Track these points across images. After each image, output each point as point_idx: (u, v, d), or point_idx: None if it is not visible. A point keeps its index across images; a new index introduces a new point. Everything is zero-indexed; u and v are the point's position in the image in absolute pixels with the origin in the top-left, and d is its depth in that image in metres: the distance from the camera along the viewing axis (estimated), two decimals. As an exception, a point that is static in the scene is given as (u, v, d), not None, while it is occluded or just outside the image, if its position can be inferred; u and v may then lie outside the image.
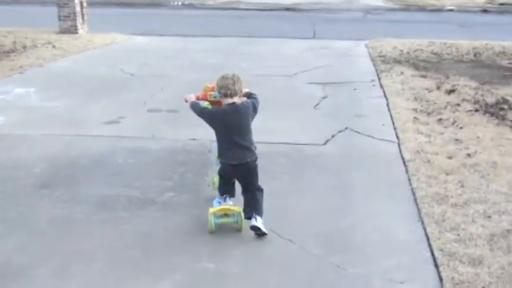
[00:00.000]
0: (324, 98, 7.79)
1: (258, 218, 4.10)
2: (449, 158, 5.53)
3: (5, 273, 3.60)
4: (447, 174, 5.14)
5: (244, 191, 4.26)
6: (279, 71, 9.41)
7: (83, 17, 13.24)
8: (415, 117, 6.76)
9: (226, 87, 4.08)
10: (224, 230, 4.19)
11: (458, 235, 4.07)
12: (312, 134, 6.35)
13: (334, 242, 4.06)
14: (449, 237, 4.04)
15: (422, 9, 18.87)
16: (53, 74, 9.20)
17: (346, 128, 6.49)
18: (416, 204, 4.59)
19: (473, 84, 8.39)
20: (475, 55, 10.81)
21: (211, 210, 4.22)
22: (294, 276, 3.61)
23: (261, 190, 4.27)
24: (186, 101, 4.44)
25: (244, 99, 4.26)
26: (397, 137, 6.17)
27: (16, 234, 4.10)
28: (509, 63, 10.15)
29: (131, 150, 5.80)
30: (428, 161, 5.42)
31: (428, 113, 6.98)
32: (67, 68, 9.63)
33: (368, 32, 13.90)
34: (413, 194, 4.78)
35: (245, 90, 4.35)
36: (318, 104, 7.50)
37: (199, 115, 4.29)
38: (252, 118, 4.21)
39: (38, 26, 13.52)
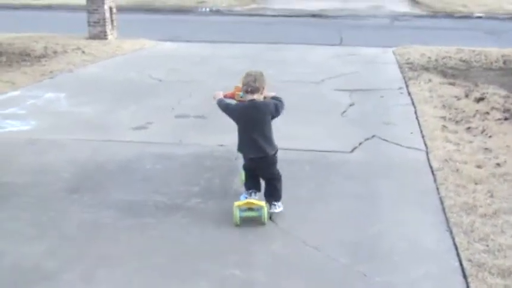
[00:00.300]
0: (351, 105, 7.76)
1: (275, 205, 4.53)
2: (478, 167, 5.45)
3: (33, 277, 3.66)
4: (476, 183, 5.07)
5: (265, 180, 4.63)
6: (306, 78, 9.40)
7: (112, 23, 13.42)
8: (444, 126, 6.69)
9: (247, 84, 4.31)
10: (251, 235, 4.20)
11: (487, 246, 4.01)
12: (338, 141, 6.32)
13: (361, 250, 4.03)
14: (478, 247, 3.99)
15: (450, 15, 18.65)
16: (82, 80, 9.33)
17: (373, 136, 6.45)
18: (445, 214, 4.53)
19: (503, 92, 8.27)
20: (504, 63, 10.64)
21: (236, 204, 4.41)
22: (321, 285, 3.60)
23: (279, 178, 4.58)
24: (214, 98, 4.67)
25: (268, 97, 4.49)
26: (425, 145, 6.11)
27: (47, 238, 4.17)
28: (540, 70, 10.00)
29: (159, 156, 5.85)
30: (457, 170, 5.35)
31: (457, 121, 6.89)
32: (96, 74, 9.76)
33: (395, 39, 13.81)
34: (442, 203, 4.72)
35: (271, 93, 4.58)
36: (345, 111, 7.47)
37: (223, 110, 4.55)
38: (272, 118, 4.41)
39: (68, 32, 13.74)
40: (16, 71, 9.71)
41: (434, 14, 18.89)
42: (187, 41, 13.70)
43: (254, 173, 4.61)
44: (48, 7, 20.48)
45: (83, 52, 11.42)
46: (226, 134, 6.47)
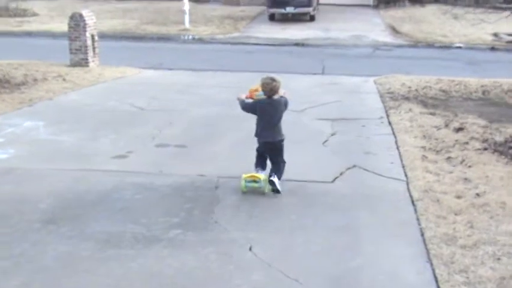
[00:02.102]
0: (332, 134, 7.79)
1: (276, 177, 5.54)
2: (458, 197, 5.48)
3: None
4: (456, 214, 5.09)
5: (272, 162, 5.71)
6: (288, 106, 9.40)
7: (94, 50, 13.38)
8: (424, 156, 6.73)
9: (272, 90, 5.54)
10: (231, 266, 4.15)
11: (468, 278, 4.01)
12: (320, 171, 6.32)
13: (342, 283, 4.01)
14: (459, 279, 3.99)
15: (430, 45, 18.93)
16: (62, 108, 9.26)
17: (354, 166, 6.46)
18: (425, 245, 4.54)
19: (482, 122, 8.37)
20: (483, 93, 10.79)
21: (244, 176, 5.61)
22: (301, 319, 3.55)
23: (284, 162, 5.72)
24: (238, 99, 5.82)
25: (282, 94, 5.71)
26: (406, 175, 6.13)
27: (20, 272, 4.08)
28: (518, 101, 10.14)
29: (139, 186, 5.80)
30: (437, 201, 5.37)
31: (437, 151, 6.94)
32: (77, 102, 9.70)
33: (376, 68, 13.96)
34: (422, 234, 4.73)
35: (282, 91, 5.73)
36: (326, 141, 7.49)
37: (243, 107, 5.75)
38: (283, 112, 5.67)
39: (49, 59, 13.68)
40: (-5, 98, 9.61)
41: (415, 44, 19.16)
42: (170, 69, 13.70)
43: (264, 154, 5.75)
44: (29, 34, 20.40)
45: (64, 80, 11.35)
46: (206, 164, 6.47)
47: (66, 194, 5.56)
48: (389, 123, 8.36)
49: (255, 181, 5.63)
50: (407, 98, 10.05)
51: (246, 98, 5.82)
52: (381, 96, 10.38)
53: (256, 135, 5.71)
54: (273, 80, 5.56)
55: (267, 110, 5.60)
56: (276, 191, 5.55)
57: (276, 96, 5.58)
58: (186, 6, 21.18)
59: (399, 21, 23.06)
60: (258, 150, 5.79)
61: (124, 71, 12.82)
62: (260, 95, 5.68)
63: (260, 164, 5.76)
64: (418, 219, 5.02)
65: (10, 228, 4.77)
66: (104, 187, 5.76)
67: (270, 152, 5.71)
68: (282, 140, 5.70)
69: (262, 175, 5.64)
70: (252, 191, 5.64)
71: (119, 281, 3.97)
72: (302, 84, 11.64)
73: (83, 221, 4.96)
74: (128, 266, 4.22)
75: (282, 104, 5.66)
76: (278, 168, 5.66)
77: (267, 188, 5.59)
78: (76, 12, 13.20)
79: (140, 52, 16.87)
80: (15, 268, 4.13)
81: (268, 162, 5.81)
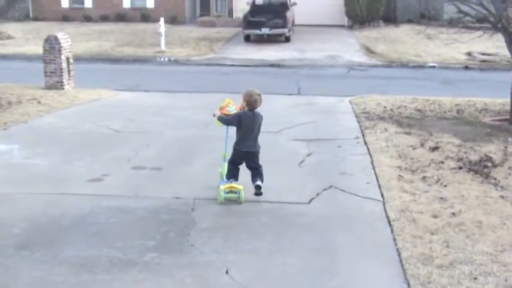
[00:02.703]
0: (308, 155, 7.82)
1: (260, 181, 5.95)
2: (434, 217, 5.52)
3: None
4: (432, 234, 5.12)
5: (252, 168, 6.06)
6: (264, 128, 9.27)
7: (69, 73, 13.30)
8: (400, 175, 6.78)
9: (255, 102, 5.95)
10: (207, 293, 4.11)
11: (445, 297, 4.02)
12: (296, 192, 6.33)
13: (319, 305, 3.99)
14: (436, 299, 3.99)
15: (404, 65, 19.22)
16: (37, 131, 9.16)
17: (330, 186, 6.48)
18: (402, 265, 4.55)
19: (457, 141, 8.47)
20: (457, 112, 10.95)
21: (221, 186, 5.92)
22: None
23: (261, 166, 6.10)
24: (214, 115, 6.11)
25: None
26: (382, 195, 6.16)
27: (-8, 299, 3.99)
28: (492, 120, 10.29)
29: (114, 209, 5.74)
30: (414, 220, 5.40)
31: (413, 171, 7.00)
32: (52, 124, 9.60)
33: (352, 88, 14.11)
34: (399, 254, 4.75)
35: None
36: (302, 161, 7.52)
37: (227, 121, 6.02)
38: (261, 124, 6.08)
39: (24, 82, 13.56)
40: (-32, 122, 9.48)
41: (390, 64, 19.43)
42: (146, 91, 13.67)
43: (239, 164, 6.08)
44: (4, 57, 20.23)
45: (39, 102, 11.25)
46: (182, 186, 6.45)
47: (40, 218, 5.47)
48: (365, 143, 8.43)
49: (232, 191, 5.94)
50: (382, 118, 10.15)
51: (213, 115, 6.15)
52: (357, 116, 10.47)
53: (238, 145, 6.02)
54: (259, 94, 5.98)
55: (250, 122, 5.96)
56: (259, 194, 5.93)
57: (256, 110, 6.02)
58: (162, 28, 21.24)
59: (373, 42, 23.40)
60: (234, 161, 6.08)
61: (100, 93, 12.75)
62: (232, 110, 6.09)
63: (234, 175, 6.03)
64: (394, 239, 5.04)
65: (-18, 255, 4.68)
66: (79, 211, 5.69)
67: (250, 160, 6.06)
68: (259, 149, 6.15)
69: (241, 185, 5.94)
70: (229, 203, 5.92)
71: (94, 307, 3.91)
72: (278, 105, 11.69)
73: (58, 245, 4.88)
74: (103, 291, 4.15)
75: (260, 117, 6.07)
76: (260, 172, 6.04)
77: (242, 197, 5.91)
78: (51, 35, 13.15)
79: (116, 74, 16.82)
80: (-13, 296, 4.04)
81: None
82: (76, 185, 6.46)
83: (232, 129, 6.14)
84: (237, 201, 5.94)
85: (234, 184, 5.94)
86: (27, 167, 7.17)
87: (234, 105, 6.18)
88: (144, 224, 5.42)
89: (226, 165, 6.15)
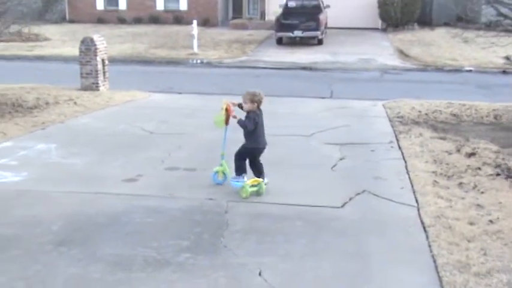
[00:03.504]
0: (341, 159, 7.78)
1: (265, 177, 6.37)
2: (471, 224, 5.43)
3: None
4: (469, 241, 5.04)
5: (257, 165, 6.41)
6: (296, 131, 9.44)
7: (104, 75, 13.51)
8: (435, 181, 6.69)
9: (260, 101, 6.34)
10: (241, 294, 4.12)
11: (482, 306, 3.96)
12: (329, 196, 6.30)
13: (353, 310, 3.97)
14: (472, 307, 3.94)
15: (440, 69, 18.95)
16: (73, 131, 9.33)
17: (364, 191, 6.44)
18: (437, 272, 4.49)
19: (494, 147, 8.32)
20: (495, 117, 10.74)
21: (247, 182, 6.20)
22: None
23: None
24: (235, 117, 6.37)
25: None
26: (417, 201, 6.10)
27: (31, 295, 4.08)
28: (529, 126, 10.08)
29: (148, 209, 5.80)
30: (449, 227, 5.32)
31: (448, 177, 6.90)
32: (87, 125, 9.77)
33: (385, 92, 13.99)
34: (434, 261, 4.68)
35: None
36: (335, 165, 7.48)
37: (250, 126, 6.26)
38: None
39: (60, 83, 13.82)
40: (8, 121, 9.69)
41: (424, 68, 19.21)
42: (178, 93, 13.78)
43: (250, 160, 6.41)
44: (41, 58, 20.66)
45: (75, 103, 11.45)
46: (215, 188, 6.48)
47: (77, 217, 5.58)
48: (399, 147, 8.35)
49: (254, 185, 6.21)
50: (417, 123, 10.04)
51: (234, 117, 6.39)
52: (390, 120, 10.37)
53: (256, 143, 6.37)
54: (260, 92, 6.36)
55: (261, 120, 6.38)
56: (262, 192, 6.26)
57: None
58: (195, 30, 21.41)
59: (408, 45, 23.16)
60: (245, 157, 6.43)
61: (134, 94, 12.91)
62: (235, 110, 6.47)
63: (244, 170, 6.40)
64: (430, 245, 4.98)
65: (23, 250, 4.80)
66: (114, 210, 5.77)
67: (259, 155, 6.45)
68: None
69: (259, 179, 6.30)
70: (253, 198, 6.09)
71: (129, 306, 3.96)
72: (310, 108, 11.68)
73: (94, 243, 4.97)
74: (138, 290, 4.21)
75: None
76: (262, 168, 6.45)
77: (264, 189, 6.26)
78: (87, 37, 13.36)
79: (149, 76, 17.01)
80: (26, 291, 4.14)
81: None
82: (111, 185, 6.56)
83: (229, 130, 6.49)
84: (258, 193, 6.21)
85: (256, 179, 6.27)
86: (64, 166, 7.31)
87: (232, 106, 6.43)
88: (177, 225, 5.47)
89: (224, 163, 6.48)
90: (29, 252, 4.76)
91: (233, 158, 6.47)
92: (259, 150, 6.44)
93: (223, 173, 6.56)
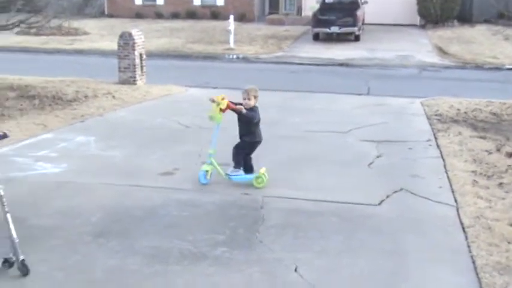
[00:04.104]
0: (378, 156, 7.70)
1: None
2: (511, 225, 5.32)
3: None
4: (509, 242, 4.94)
5: (250, 160, 6.60)
6: (332, 127, 9.39)
7: (141, 69, 13.66)
8: (474, 180, 6.57)
9: (257, 96, 6.46)
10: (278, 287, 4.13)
11: (522, 309, 3.88)
12: (365, 193, 6.25)
13: (390, 309, 3.94)
14: (512, 310, 3.86)
15: (479, 67, 18.56)
16: (112, 124, 9.47)
17: (401, 189, 6.36)
18: (477, 274, 4.42)
19: (535, 147, 8.13)
20: (535, 117, 10.49)
21: (261, 171, 6.37)
22: None
23: None
24: (242, 110, 6.33)
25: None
26: (455, 200, 6.00)
27: (73, 283, 4.18)
28: None
29: (184, 203, 5.86)
30: (489, 228, 5.22)
31: (488, 177, 6.77)
32: (125, 118, 9.90)
33: (423, 90, 13.77)
34: (473, 262, 4.61)
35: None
36: (372, 163, 7.41)
37: (255, 118, 6.41)
38: None
39: (98, 77, 14.04)
40: (48, 114, 9.91)
41: (464, 65, 18.84)
42: (214, 88, 13.84)
43: (246, 155, 6.56)
44: (80, 52, 21.01)
45: (113, 97, 11.62)
46: (250, 183, 6.48)
47: (115, 209, 5.67)
48: (438, 146, 8.22)
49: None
50: (456, 121, 9.86)
51: (235, 110, 6.38)
52: (428, 118, 10.22)
53: (255, 137, 6.52)
54: (256, 89, 6.52)
55: (259, 115, 6.51)
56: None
57: None
58: (231, 25, 21.45)
59: (447, 42, 22.76)
60: (243, 151, 6.56)
61: (170, 89, 13.02)
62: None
63: (242, 164, 6.53)
64: (469, 246, 4.90)
65: (63, 240, 4.91)
66: (151, 203, 5.85)
67: (254, 149, 6.62)
68: None
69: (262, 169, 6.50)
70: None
71: (166, 298, 4.01)
72: (347, 105, 11.59)
73: (132, 235, 5.04)
74: (175, 282, 4.26)
75: None
76: (252, 162, 6.66)
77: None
78: (126, 31, 13.53)
79: (186, 71, 17.14)
80: (67, 279, 4.24)
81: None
82: (148, 178, 6.64)
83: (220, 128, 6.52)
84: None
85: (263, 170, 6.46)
86: (103, 158, 7.43)
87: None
88: (213, 219, 5.51)
89: (214, 161, 6.45)
90: (68, 243, 4.87)
91: (228, 153, 6.60)
92: (258, 143, 6.58)
93: (212, 172, 6.52)
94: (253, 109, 6.41)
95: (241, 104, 6.38)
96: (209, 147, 6.55)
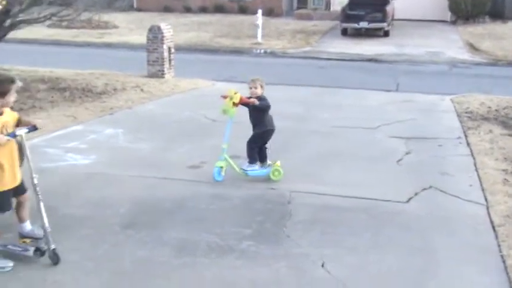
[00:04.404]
0: (407, 153, 7.63)
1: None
2: (543, 225, 5.23)
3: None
4: (540, 242, 4.86)
5: (262, 149, 6.57)
6: (361, 123, 9.33)
7: (170, 62, 13.74)
8: (505, 179, 6.47)
9: (263, 86, 6.55)
10: (304, 281, 4.13)
11: (554, 310, 3.81)
12: (394, 190, 6.20)
13: (418, 306, 3.91)
14: (544, 311, 3.80)
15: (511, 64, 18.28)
16: (140, 117, 9.55)
17: (430, 187, 6.30)
18: (507, 273, 4.35)
19: None
20: None
21: (277, 163, 6.42)
22: None
23: None
24: (254, 102, 6.32)
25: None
26: (486, 199, 5.91)
27: (102, 272, 4.23)
28: None
29: (212, 196, 5.89)
30: (520, 227, 5.15)
31: (519, 176, 6.67)
32: (153, 111, 9.98)
33: (453, 87, 13.60)
34: (503, 261, 4.54)
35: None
36: (400, 159, 7.35)
37: (267, 108, 6.45)
38: None
39: (127, 70, 14.17)
40: (78, 106, 10.04)
41: (495, 62, 18.52)
42: (241, 82, 13.83)
43: (259, 146, 6.54)
44: (109, 45, 21.23)
45: (142, 90, 11.72)
46: (279, 177, 6.49)
47: (143, 200, 5.73)
48: (468, 143, 8.11)
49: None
50: (486, 119, 9.71)
51: (247, 104, 6.41)
52: (459, 115, 10.09)
53: (269, 126, 6.52)
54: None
55: (269, 102, 6.49)
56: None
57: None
58: (259, 20, 21.42)
59: (478, 38, 22.40)
60: (259, 142, 6.55)
61: (197, 83, 13.09)
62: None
63: (257, 158, 6.55)
64: (499, 245, 4.83)
65: (93, 230, 4.98)
66: (180, 196, 5.89)
67: (268, 139, 6.59)
68: None
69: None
70: None
71: (194, 290, 4.04)
72: (375, 101, 11.50)
73: (160, 227, 5.08)
74: (202, 274, 4.28)
75: None
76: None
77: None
78: (155, 25, 13.62)
79: (213, 65, 17.19)
80: (96, 268, 4.30)
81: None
82: (176, 171, 6.68)
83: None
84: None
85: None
86: (132, 151, 7.51)
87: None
88: (240, 213, 5.53)
89: (227, 157, 6.38)
90: (98, 233, 4.93)
91: (244, 148, 6.59)
92: (271, 131, 6.56)
93: (228, 168, 6.44)
94: (262, 98, 6.42)
95: (250, 97, 6.41)
96: (222, 142, 6.47)
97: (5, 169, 4.26)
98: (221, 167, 6.34)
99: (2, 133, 4.20)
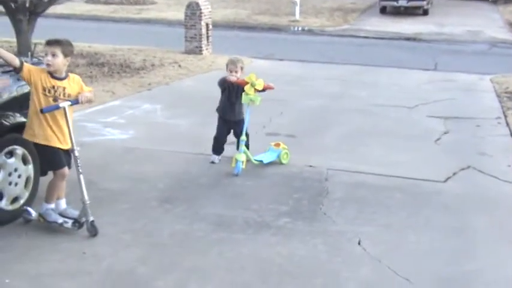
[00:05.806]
0: (445, 132, 7.54)
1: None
2: None
3: (128, 282, 3.80)
4: None
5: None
6: (398, 102, 9.23)
7: (207, 39, 13.78)
8: (545, 161, 6.36)
9: (243, 67, 6.24)
10: (339, 258, 4.16)
11: None
12: (431, 169, 6.15)
13: (454, 286, 3.89)
14: None
15: (554, 44, 17.77)
16: (177, 93, 9.64)
17: (468, 167, 6.22)
18: (546, 255, 4.30)
19: None
20: None
21: (284, 145, 6.22)
22: (411, 318, 3.50)
23: None
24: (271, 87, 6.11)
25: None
26: (525, 180, 5.83)
27: (140, 245, 4.32)
28: None
29: (249, 173, 5.92)
30: (561, 210, 5.06)
31: (560, 157, 6.53)
32: (191, 87, 10.05)
33: (493, 66, 13.31)
34: (543, 243, 4.49)
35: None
36: (438, 139, 7.27)
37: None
38: None
39: (165, 46, 14.26)
40: (117, 81, 10.18)
41: (537, 42, 18.06)
42: (280, 60, 13.81)
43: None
44: (147, 21, 21.35)
45: (179, 66, 11.80)
46: (315, 155, 6.49)
47: (181, 176, 5.80)
48: (507, 124, 7.98)
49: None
50: (527, 99, 9.50)
51: (266, 89, 6.10)
52: (498, 95, 9.90)
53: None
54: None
55: None
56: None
57: None
58: (298, -3, 21.26)
59: (520, 18, 21.81)
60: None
61: (235, 59, 13.06)
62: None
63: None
64: (539, 227, 4.77)
65: (131, 204, 5.06)
66: (216, 172, 5.95)
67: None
68: None
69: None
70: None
71: (231, 264, 4.09)
72: (413, 80, 11.36)
73: (197, 202, 5.15)
74: (239, 250, 4.33)
75: None
76: None
77: None
78: (193, 1, 13.65)
79: (251, 42, 17.15)
80: (135, 241, 4.38)
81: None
82: (209, 147, 6.71)
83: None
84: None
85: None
86: (169, 126, 7.60)
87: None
88: (277, 189, 5.55)
89: (246, 149, 6.00)
90: (136, 207, 5.01)
91: (243, 138, 6.12)
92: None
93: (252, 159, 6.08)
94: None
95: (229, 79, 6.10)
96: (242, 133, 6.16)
97: (54, 130, 4.36)
98: (242, 161, 5.88)
99: (59, 98, 4.32)
